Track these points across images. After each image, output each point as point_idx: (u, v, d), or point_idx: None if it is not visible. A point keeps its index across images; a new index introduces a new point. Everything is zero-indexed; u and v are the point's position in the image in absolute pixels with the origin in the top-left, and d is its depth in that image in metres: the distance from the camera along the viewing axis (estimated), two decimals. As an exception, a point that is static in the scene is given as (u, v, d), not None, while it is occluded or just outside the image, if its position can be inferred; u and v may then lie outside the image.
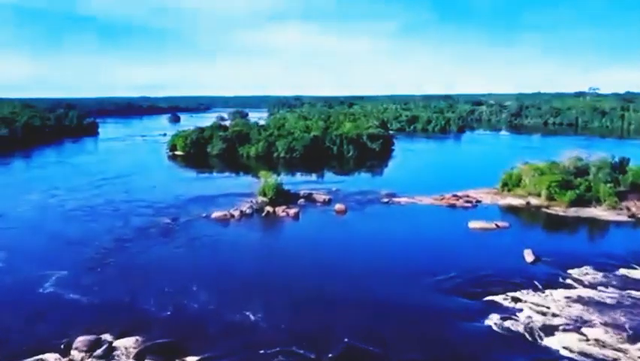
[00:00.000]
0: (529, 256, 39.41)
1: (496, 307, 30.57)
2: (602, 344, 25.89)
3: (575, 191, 56.00)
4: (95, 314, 29.23)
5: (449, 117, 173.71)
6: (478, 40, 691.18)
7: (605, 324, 28.19)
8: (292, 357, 24.92)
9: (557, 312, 30.28)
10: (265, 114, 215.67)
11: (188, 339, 26.35)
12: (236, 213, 52.25)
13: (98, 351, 25.21)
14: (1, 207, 55.10)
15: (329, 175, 79.12)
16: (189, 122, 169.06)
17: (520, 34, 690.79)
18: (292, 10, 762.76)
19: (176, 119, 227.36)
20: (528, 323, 28.82)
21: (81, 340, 25.99)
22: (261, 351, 25.16)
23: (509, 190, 62.01)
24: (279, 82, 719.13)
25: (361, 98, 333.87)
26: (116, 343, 25.99)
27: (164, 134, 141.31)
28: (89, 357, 24.86)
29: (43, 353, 25.20)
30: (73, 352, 25.23)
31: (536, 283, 33.96)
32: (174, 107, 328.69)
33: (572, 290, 33.24)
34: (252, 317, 28.64)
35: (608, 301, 31.15)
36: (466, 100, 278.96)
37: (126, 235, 44.93)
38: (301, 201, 58.46)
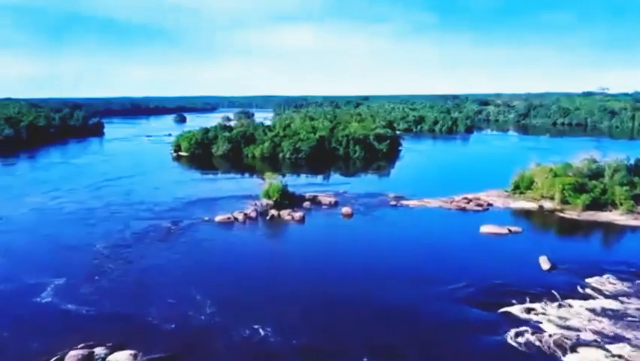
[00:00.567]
0: (545, 264, 37.81)
1: (512, 320, 29.17)
2: (628, 362, 24.58)
3: (590, 194, 54.41)
4: (91, 325, 27.97)
5: (456, 117, 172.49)
6: (485, 40, 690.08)
7: (630, 339, 26.69)
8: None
9: (578, 325, 28.54)
10: (271, 114, 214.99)
11: (190, 354, 25.05)
12: (240, 217, 51.25)
13: (91, 367, 24.39)
14: (0, 210, 54.26)
15: (335, 176, 77.86)
16: (195, 123, 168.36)
17: (528, 33, 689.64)
18: (300, 11, 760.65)
19: (181, 120, 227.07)
20: (547, 337, 27.27)
21: (73, 354, 24.69)
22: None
23: (521, 193, 60.59)
24: (286, 82, 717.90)
25: (367, 98, 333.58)
26: (110, 358, 24.62)
27: (169, 135, 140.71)
28: (81, 374, 23.82)
29: (33, 369, 24.62)
30: (64, 367, 24.56)
31: (554, 292, 32.40)
32: (180, 108, 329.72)
33: (592, 301, 31.71)
34: (259, 330, 27.30)
35: (631, 313, 29.64)
36: (473, 100, 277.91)
37: (126, 239, 43.86)
38: (307, 203, 57.40)
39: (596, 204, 53.69)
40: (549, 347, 26.02)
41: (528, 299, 31.91)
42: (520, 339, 27.24)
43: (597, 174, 58.51)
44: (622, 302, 30.98)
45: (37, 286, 33.24)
